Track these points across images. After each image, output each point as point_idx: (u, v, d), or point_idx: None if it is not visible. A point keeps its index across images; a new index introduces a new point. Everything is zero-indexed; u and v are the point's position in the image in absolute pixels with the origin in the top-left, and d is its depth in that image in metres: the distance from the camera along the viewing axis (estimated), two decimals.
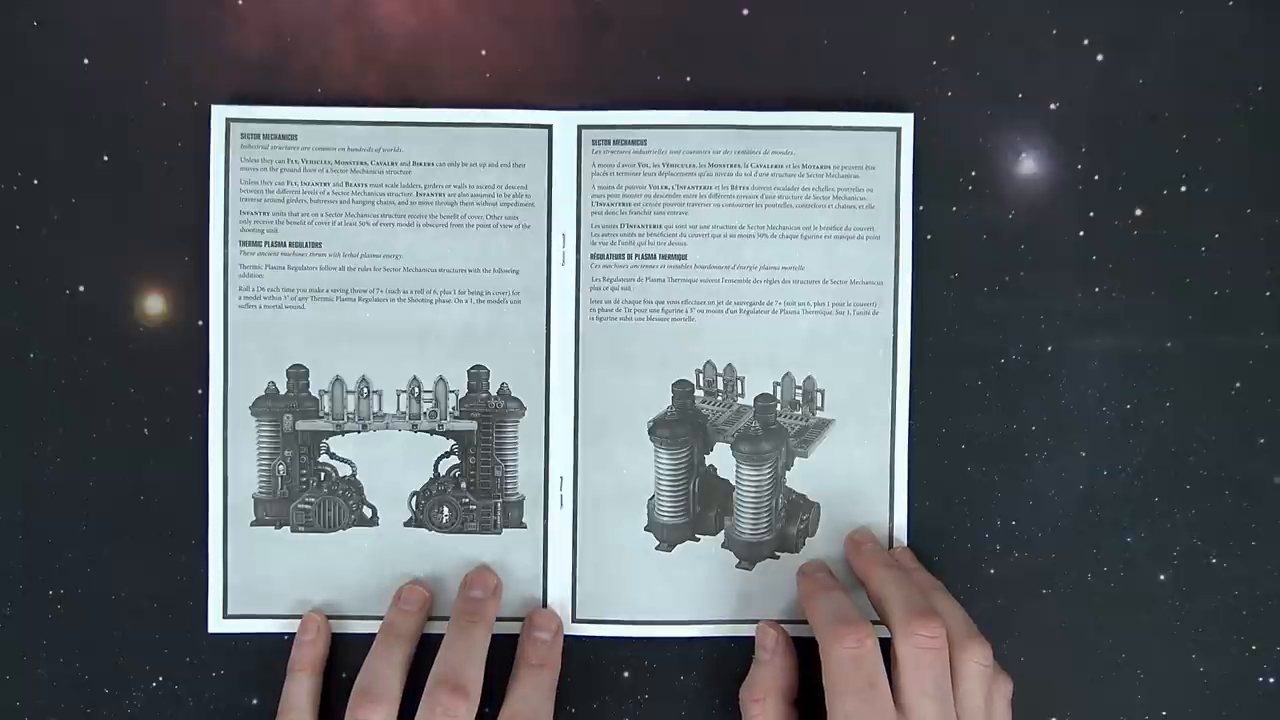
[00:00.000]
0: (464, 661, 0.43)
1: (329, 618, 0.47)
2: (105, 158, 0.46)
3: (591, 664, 0.47)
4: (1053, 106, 0.47)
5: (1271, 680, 0.48)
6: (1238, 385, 0.47)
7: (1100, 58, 0.47)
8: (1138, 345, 0.47)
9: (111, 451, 0.47)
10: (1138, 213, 0.47)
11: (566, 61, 0.47)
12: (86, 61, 0.46)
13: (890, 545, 0.47)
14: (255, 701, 0.47)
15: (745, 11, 0.47)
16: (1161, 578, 0.47)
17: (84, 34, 0.46)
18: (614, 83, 0.47)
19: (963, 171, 0.47)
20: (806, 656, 0.46)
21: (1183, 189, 0.47)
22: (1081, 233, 0.47)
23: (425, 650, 0.45)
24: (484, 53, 0.47)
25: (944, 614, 0.42)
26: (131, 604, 0.47)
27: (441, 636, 0.45)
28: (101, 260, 0.47)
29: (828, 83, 0.47)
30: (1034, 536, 0.47)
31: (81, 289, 0.47)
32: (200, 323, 0.47)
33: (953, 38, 0.47)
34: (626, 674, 0.47)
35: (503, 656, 0.45)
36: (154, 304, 0.47)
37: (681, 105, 0.46)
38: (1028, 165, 0.47)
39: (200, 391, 0.47)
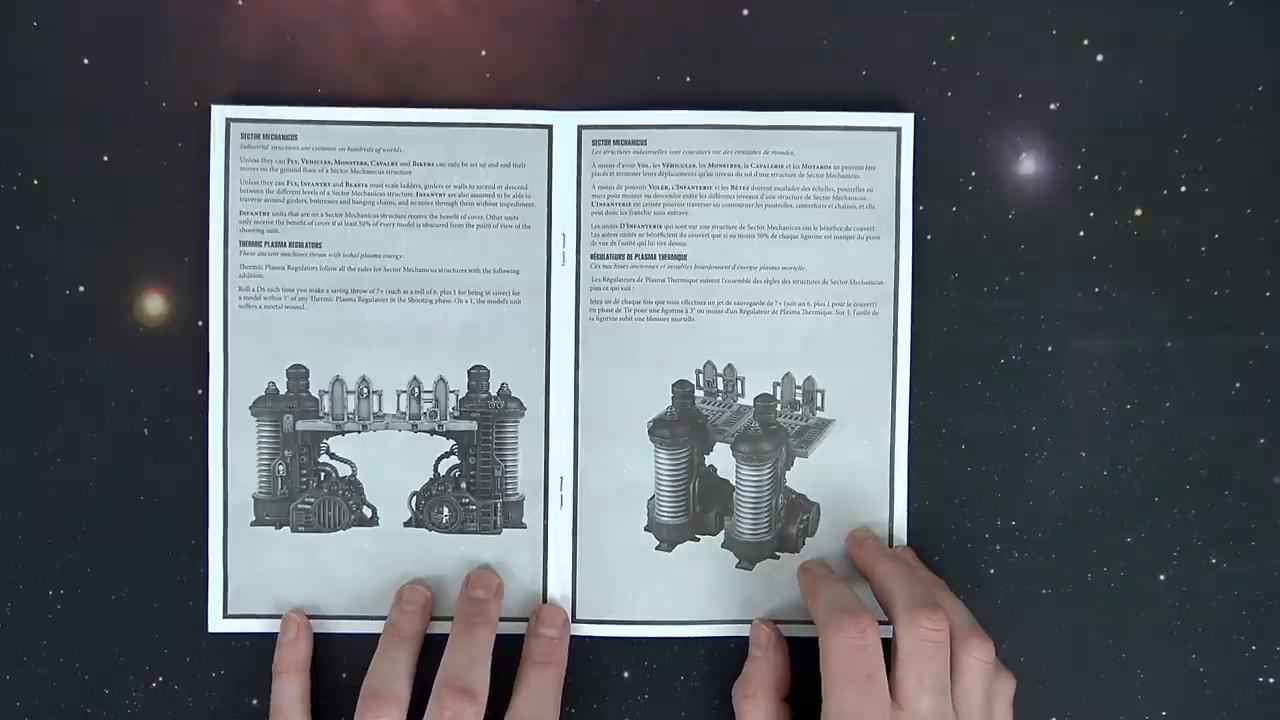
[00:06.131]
0: (469, 663, 0.43)
1: (330, 618, 0.47)
2: (105, 158, 0.46)
3: (591, 664, 0.47)
4: (1053, 106, 0.47)
5: (1271, 680, 0.48)
6: (1238, 385, 0.47)
7: (1100, 58, 0.47)
8: (1138, 345, 0.47)
9: (111, 451, 0.47)
10: (1138, 213, 0.47)
11: (566, 61, 0.47)
12: (86, 61, 0.46)
13: (890, 545, 0.47)
14: (255, 702, 0.47)
15: (745, 12, 0.47)
16: (1161, 578, 0.47)
17: (84, 34, 0.46)
18: (614, 83, 0.47)
19: (963, 171, 0.47)
20: (804, 655, 0.46)
21: (1183, 189, 0.47)
22: (1081, 233, 0.47)
23: (429, 651, 0.45)
24: (484, 53, 0.47)
25: (947, 609, 0.42)
26: (131, 604, 0.47)
27: (445, 636, 0.45)
28: (101, 260, 0.47)
29: (828, 83, 0.47)
30: (1034, 536, 0.47)
31: (81, 289, 0.47)
32: (200, 323, 0.47)
33: (953, 38, 0.47)
34: (626, 674, 0.47)
35: (505, 656, 0.45)
36: (154, 304, 0.47)
37: (681, 105, 0.46)
38: (1028, 165, 0.47)
39: (200, 391, 0.47)
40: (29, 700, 0.47)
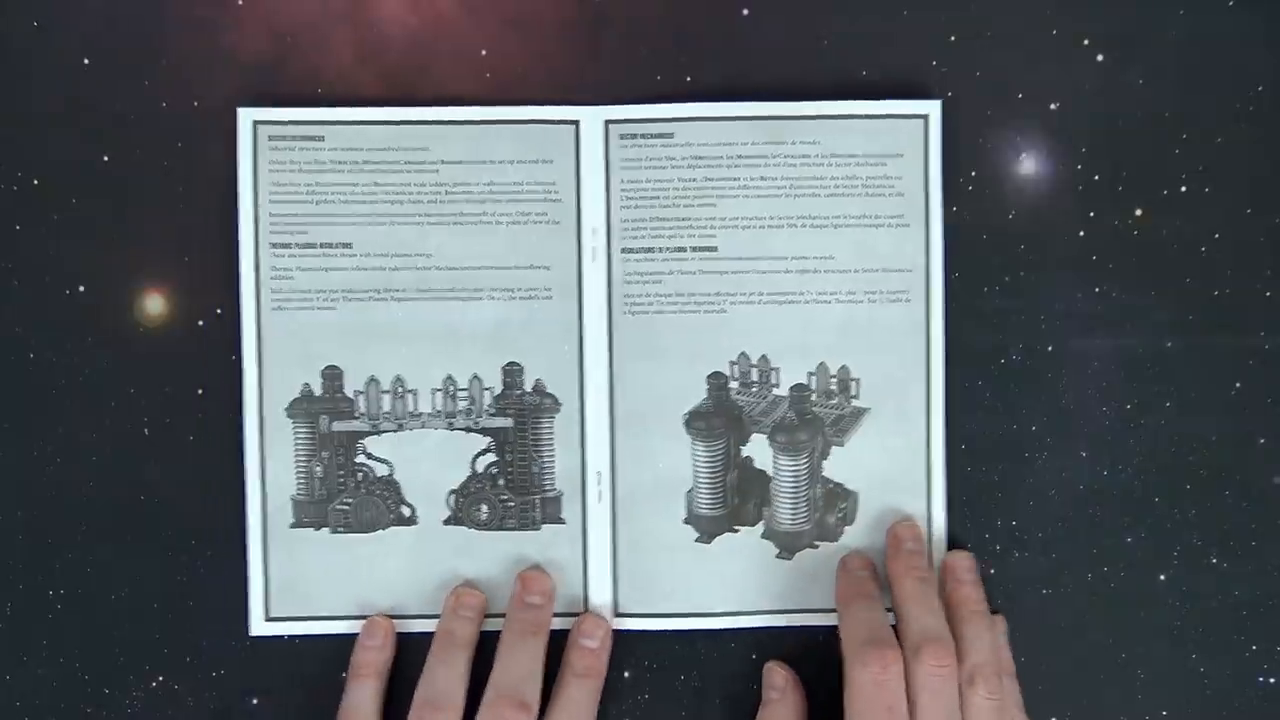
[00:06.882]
0: (525, 676, 0.44)
1: (368, 617, 0.46)
2: (105, 158, 0.46)
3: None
4: (1053, 106, 0.47)
5: (1272, 680, 0.48)
6: (1238, 385, 0.47)
7: (1100, 58, 0.47)
8: (1138, 345, 0.47)
9: (111, 451, 0.47)
10: (1138, 213, 0.47)
11: (567, 61, 0.47)
12: (86, 61, 0.46)
13: (930, 531, 0.46)
14: (255, 702, 0.47)
15: (745, 11, 0.47)
16: (1161, 578, 0.47)
17: (84, 34, 0.46)
18: (614, 83, 0.47)
19: (963, 171, 0.47)
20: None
21: (1183, 189, 0.47)
22: (1081, 233, 0.47)
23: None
24: (484, 53, 0.47)
25: (966, 642, 0.43)
26: (131, 604, 0.47)
27: (493, 633, 0.45)
28: (101, 260, 0.47)
29: (828, 83, 0.47)
30: (1034, 536, 0.47)
31: (81, 289, 0.47)
32: (200, 322, 0.47)
33: (953, 38, 0.47)
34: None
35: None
36: (154, 304, 0.47)
37: (707, 97, 0.46)
38: (1028, 165, 0.47)
39: (200, 391, 0.47)
40: (29, 700, 0.47)
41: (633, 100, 0.46)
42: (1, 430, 0.47)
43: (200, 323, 0.47)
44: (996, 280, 0.47)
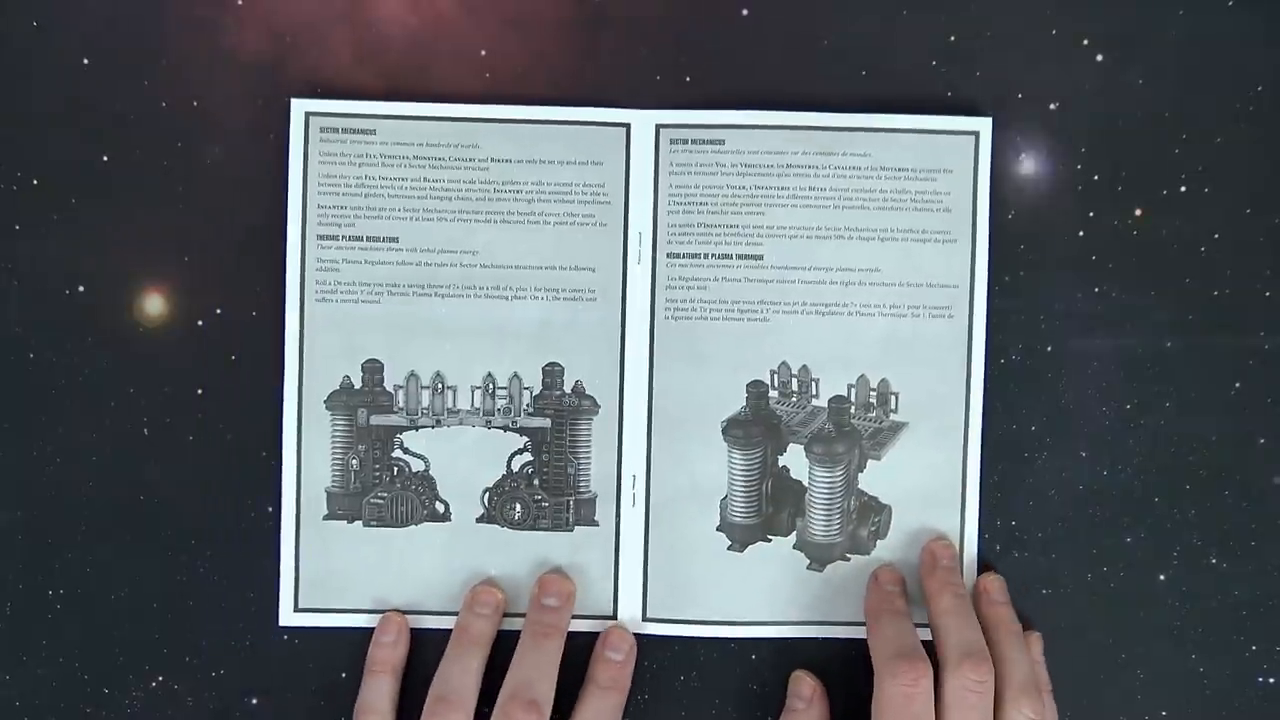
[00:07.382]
0: (537, 677, 0.44)
1: (401, 613, 0.46)
2: (105, 158, 0.46)
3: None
4: (1053, 106, 0.47)
5: (1271, 680, 0.48)
6: (1238, 385, 0.47)
7: (1100, 58, 0.47)
8: (1138, 345, 0.47)
9: (111, 451, 0.47)
10: (1138, 213, 0.47)
11: (566, 61, 0.47)
12: (86, 61, 0.46)
13: (961, 550, 0.46)
14: (254, 702, 0.47)
15: (745, 12, 0.47)
16: (1161, 578, 0.47)
17: (84, 34, 0.46)
18: (613, 83, 0.47)
19: None
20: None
21: (1183, 189, 0.47)
22: (1081, 233, 0.47)
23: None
24: (484, 53, 0.47)
25: (1006, 660, 0.43)
26: (131, 604, 0.47)
27: (513, 633, 0.45)
28: (101, 260, 0.47)
29: (828, 83, 0.47)
30: (1034, 536, 0.47)
31: (81, 289, 0.47)
32: (200, 323, 0.47)
33: (952, 38, 0.47)
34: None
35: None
36: (153, 304, 0.47)
37: (755, 105, 0.46)
38: (1028, 165, 0.47)
39: (200, 391, 0.47)
40: (29, 700, 0.47)
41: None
42: (1, 430, 0.47)
43: (200, 323, 0.47)
44: (996, 280, 0.47)
